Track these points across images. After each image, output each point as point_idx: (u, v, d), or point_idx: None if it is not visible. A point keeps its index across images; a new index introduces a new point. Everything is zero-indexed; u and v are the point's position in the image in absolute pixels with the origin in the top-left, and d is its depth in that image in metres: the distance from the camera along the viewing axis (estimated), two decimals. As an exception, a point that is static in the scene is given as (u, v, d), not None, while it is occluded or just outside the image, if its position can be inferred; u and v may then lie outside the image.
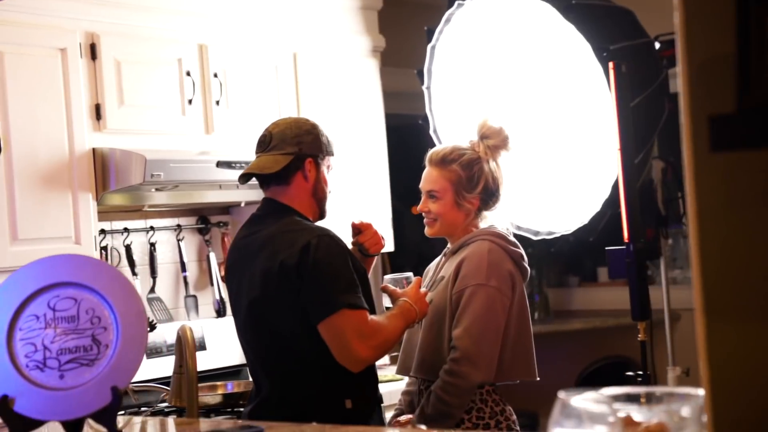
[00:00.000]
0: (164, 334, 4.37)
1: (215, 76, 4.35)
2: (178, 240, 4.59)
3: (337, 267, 2.93)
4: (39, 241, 3.74)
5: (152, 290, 4.46)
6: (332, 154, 3.18)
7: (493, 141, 3.29)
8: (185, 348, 2.79)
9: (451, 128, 4.90)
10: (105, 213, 4.31)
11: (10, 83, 3.70)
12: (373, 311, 3.05)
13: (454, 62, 4.89)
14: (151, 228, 4.49)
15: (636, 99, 4.37)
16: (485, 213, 3.34)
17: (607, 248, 3.76)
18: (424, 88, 4.94)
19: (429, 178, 3.28)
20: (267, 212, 3.13)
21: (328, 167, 3.17)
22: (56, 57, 3.84)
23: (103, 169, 3.95)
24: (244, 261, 3.07)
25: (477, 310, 3.10)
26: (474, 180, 3.25)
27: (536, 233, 4.71)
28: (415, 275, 3.30)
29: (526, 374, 3.21)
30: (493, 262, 3.16)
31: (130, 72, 4.06)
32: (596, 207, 4.46)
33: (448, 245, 3.36)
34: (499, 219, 3.38)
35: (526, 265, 3.28)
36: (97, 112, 3.96)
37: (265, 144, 3.10)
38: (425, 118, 4.96)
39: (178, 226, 4.60)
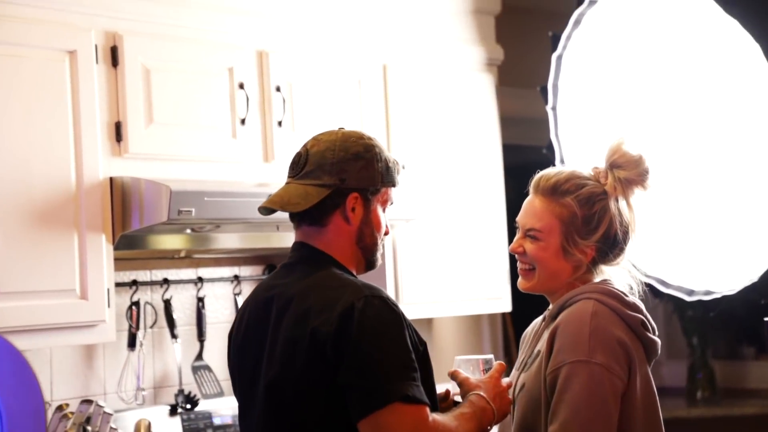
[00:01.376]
0: (211, 411, 3.51)
1: (278, 90, 3.50)
2: (235, 294, 3.72)
3: (390, 343, 2.10)
4: (30, 295, 2.93)
5: (199, 357, 3.60)
6: (393, 184, 2.30)
7: (627, 173, 2.40)
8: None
9: (582, 158, 3.92)
10: (136, 261, 3.51)
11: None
12: (434, 406, 2.17)
13: (585, 75, 3.91)
14: (200, 279, 3.64)
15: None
16: (603, 267, 2.46)
17: (767, 318, 2.68)
18: (548, 108, 3.98)
19: (531, 210, 2.43)
20: (297, 260, 2.29)
21: (386, 202, 2.31)
22: (62, 62, 3.04)
23: (123, 205, 3.13)
24: (261, 326, 2.24)
25: (577, 397, 2.25)
26: (593, 222, 2.40)
27: (690, 293, 3.70)
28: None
29: None
30: (599, 329, 2.29)
31: (163, 83, 3.24)
32: (769, 260, 3.46)
33: (550, 306, 2.49)
34: (621, 275, 2.47)
35: (653, 337, 2.38)
36: (117, 132, 3.15)
37: (297, 167, 2.28)
38: (550, 146, 4.00)
39: (236, 277, 3.74)
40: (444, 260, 3.99)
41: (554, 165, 3.94)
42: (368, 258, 2.29)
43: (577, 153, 3.96)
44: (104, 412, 3.13)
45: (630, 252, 2.45)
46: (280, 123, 3.49)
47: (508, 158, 4.32)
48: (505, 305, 4.21)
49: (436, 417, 2.10)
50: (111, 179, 3.12)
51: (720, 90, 3.62)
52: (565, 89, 3.97)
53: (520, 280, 2.46)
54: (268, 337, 2.21)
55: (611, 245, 2.41)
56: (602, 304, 2.32)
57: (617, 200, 2.41)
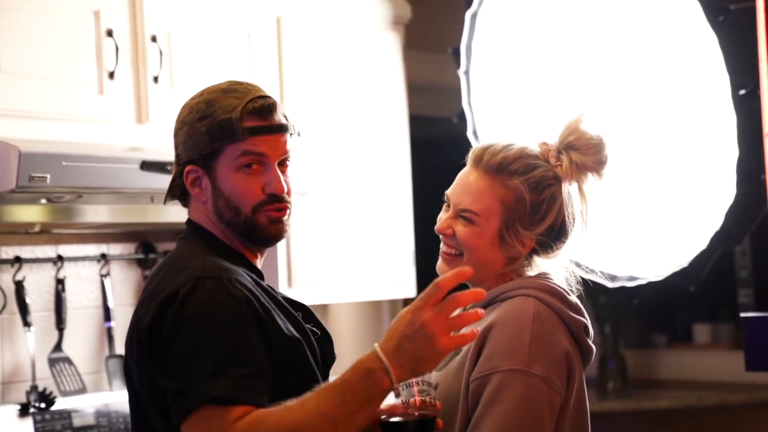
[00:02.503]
0: (71, 410, 3.04)
1: (153, 40, 3.02)
2: (102, 276, 3.24)
3: (213, 329, 1.69)
4: None
5: (58, 347, 3.12)
6: (232, 139, 1.83)
7: (584, 158, 2.02)
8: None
9: (498, 130, 3.54)
10: (-17, 234, 3.01)
11: None
12: None
13: (503, 35, 3.53)
14: (59, 258, 3.15)
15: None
16: (537, 260, 2.09)
17: (744, 315, 2.32)
18: (460, 72, 3.59)
19: (468, 186, 2.03)
20: (180, 237, 1.96)
21: (241, 159, 1.84)
22: None
23: (-37, 168, 2.63)
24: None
25: (507, 412, 1.87)
26: (540, 211, 2.02)
27: (612, 278, 3.37)
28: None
29: None
30: (541, 335, 1.92)
31: (11, 23, 2.74)
32: (701, 243, 3.16)
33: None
34: (556, 269, 2.10)
35: (591, 343, 2.04)
36: (-43, 81, 2.65)
37: None
38: (461, 115, 3.61)
39: (103, 255, 3.26)
40: (342, 240, 3.57)
41: (466, 137, 3.57)
42: (243, 234, 1.86)
43: (491, 124, 3.58)
44: (-64, 415, 2.64)
45: (570, 247, 2.08)
46: (156, 78, 3.02)
47: (415, 130, 3.92)
48: (409, 290, 3.81)
49: (259, 413, 1.63)
50: (-52, 137, 2.62)
51: (654, 48, 3.27)
52: (480, 52, 3.59)
53: (440, 264, 2.06)
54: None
55: (555, 237, 2.03)
56: (544, 304, 1.95)
57: (568, 184, 2.03)
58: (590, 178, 2.03)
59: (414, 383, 1.82)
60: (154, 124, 3.00)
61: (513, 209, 1.99)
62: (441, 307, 1.62)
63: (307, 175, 3.26)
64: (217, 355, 1.66)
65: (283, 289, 3.34)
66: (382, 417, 1.87)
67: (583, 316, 2.01)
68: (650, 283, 3.41)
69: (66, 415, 3.03)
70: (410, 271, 3.80)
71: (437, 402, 1.86)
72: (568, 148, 2.01)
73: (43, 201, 2.81)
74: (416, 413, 1.82)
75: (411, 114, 3.87)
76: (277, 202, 1.86)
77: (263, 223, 1.85)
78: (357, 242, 3.62)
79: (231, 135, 1.81)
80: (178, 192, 1.91)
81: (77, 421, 3.05)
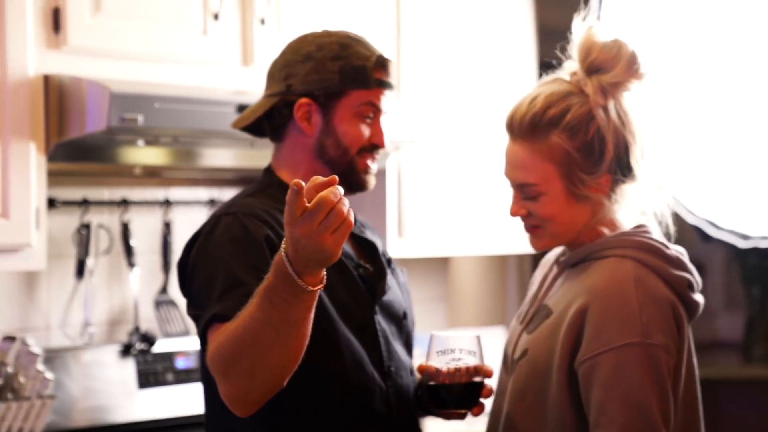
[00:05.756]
0: (173, 352, 3.05)
1: (260, -20, 2.94)
2: (211, 220, 3.22)
3: (223, 259, 1.82)
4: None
5: (164, 290, 3.12)
6: (364, 86, 1.96)
7: (613, 74, 1.87)
8: None
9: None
10: (92, 177, 3.02)
11: None
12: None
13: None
14: (167, 201, 3.14)
15: None
16: (623, 189, 1.94)
17: None
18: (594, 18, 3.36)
19: (514, 161, 1.94)
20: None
21: (362, 108, 1.97)
22: (-14, -69, 2.52)
23: (60, 109, 2.62)
24: None
25: (636, 388, 1.74)
26: (594, 150, 1.89)
27: (745, 237, 3.13)
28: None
29: None
30: (649, 299, 1.79)
31: (115, -36, 2.71)
32: None
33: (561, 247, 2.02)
34: (645, 195, 1.95)
35: (697, 298, 1.87)
36: (55, 20, 2.62)
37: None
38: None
39: (212, 200, 3.23)
40: (464, 189, 3.44)
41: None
42: (340, 174, 1.78)
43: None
44: (30, 352, 2.67)
45: (648, 160, 1.90)
46: (262, 21, 2.94)
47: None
48: (526, 246, 3.64)
49: (226, 324, 1.72)
50: (46, 78, 2.60)
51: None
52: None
53: (531, 239, 1.97)
54: None
55: (626, 164, 1.88)
56: (644, 266, 1.80)
57: (606, 109, 1.86)
58: (633, 89, 1.86)
59: (453, 350, 1.78)
60: (259, 67, 2.92)
61: (566, 162, 1.85)
62: (308, 214, 1.49)
63: (417, 122, 3.14)
64: (223, 280, 1.78)
65: (393, 239, 3.23)
66: (430, 383, 1.82)
67: (687, 271, 1.84)
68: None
69: (168, 357, 3.04)
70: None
71: (481, 367, 1.81)
72: (591, 71, 1.86)
73: (140, 143, 2.78)
74: (462, 379, 1.76)
75: (541, 60, 3.69)
76: (375, 151, 1.99)
77: (360, 167, 1.97)
78: (480, 192, 3.48)
79: (363, 82, 1.93)
80: (274, 125, 1.99)
81: (180, 363, 3.06)
